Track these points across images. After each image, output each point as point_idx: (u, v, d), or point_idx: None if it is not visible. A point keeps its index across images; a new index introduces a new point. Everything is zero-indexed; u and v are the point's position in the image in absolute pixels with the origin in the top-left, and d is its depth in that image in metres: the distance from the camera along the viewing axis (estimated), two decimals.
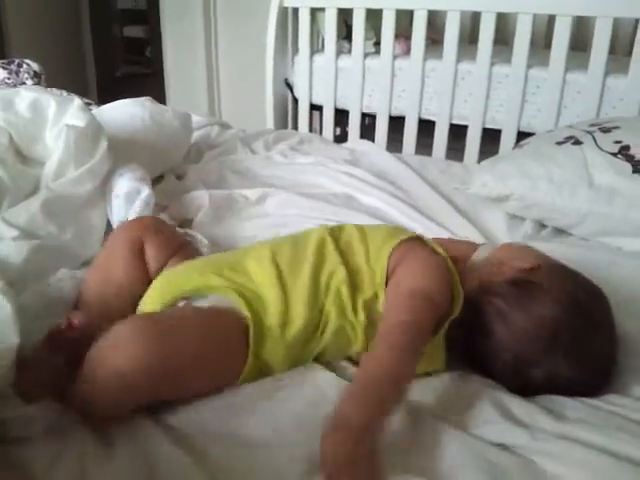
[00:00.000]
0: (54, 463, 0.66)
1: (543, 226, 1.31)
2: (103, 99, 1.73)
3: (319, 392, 0.79)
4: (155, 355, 0.72)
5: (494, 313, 0.83)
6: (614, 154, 1.23)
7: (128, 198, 1.23)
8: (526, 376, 0.81)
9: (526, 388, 0.81)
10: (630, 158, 1.21)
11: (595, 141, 1.28)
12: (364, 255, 0.90)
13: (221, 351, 0.80)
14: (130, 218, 1.19)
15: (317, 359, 0.86)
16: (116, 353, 0.72)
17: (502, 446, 0.70)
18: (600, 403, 0.77)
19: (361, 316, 0.84)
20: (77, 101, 1.31)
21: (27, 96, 1.28)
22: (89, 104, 1.88)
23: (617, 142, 1.25)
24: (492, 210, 1.37)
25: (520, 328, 0.81)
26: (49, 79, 2.09)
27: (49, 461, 0.66)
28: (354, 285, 0.86)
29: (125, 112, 1.58)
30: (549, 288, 0.83)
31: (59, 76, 2.92)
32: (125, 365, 0.71)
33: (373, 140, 2.29)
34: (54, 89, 1.87)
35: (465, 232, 1.28)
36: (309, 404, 0.76)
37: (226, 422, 0.73)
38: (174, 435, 0.71)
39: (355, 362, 0.86)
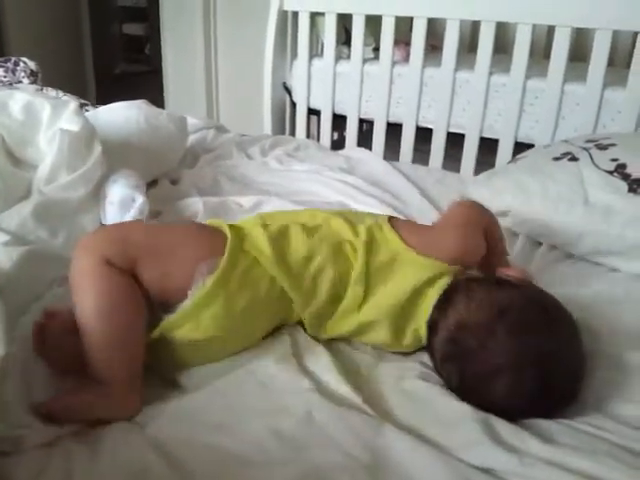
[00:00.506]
0: (39, 474, 0.66)
1: (539, 243, 1.30)
2: (102, 97, 1.73)
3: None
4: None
5: (463, 292, 0.87)
6: (610, 172, 1.22)
7: (122, 205, 1.23)
8: (458, 348, 0.82)
9: (453, 367, 0.83)
10: (626, 177, 1.20)
11: (591, 158, 1.28)
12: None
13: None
14: None
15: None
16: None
17: (488, 471, 0.69)
18: (589, 428, 0.76)
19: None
20: (72, 105, 1.30)
21: (21, 99, 1.27)
22: (85, 105, 1.87)
23: (613, 160, 1.25)
24: None
25: (476, 302, 0.85)
26: (48, 77, 2.08)
27: (35, 472, 0.66)
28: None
29: (120, 115, 1.57)
30: (519, 286, 0.88)
31: (58, 74, 2.91)
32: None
33: (370, 146, 2.29)
34: (50, 88, 1.86)
35: None
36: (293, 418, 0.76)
37: (210, 435, 0.73)
38: (158, 446, 0.71)
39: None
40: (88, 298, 0.79)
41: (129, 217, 1.22)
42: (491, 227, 1.01)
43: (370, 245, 0.92)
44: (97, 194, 1.25)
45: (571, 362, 0.82)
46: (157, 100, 1.71)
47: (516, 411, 0.79)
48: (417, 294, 0.89)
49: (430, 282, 0.90)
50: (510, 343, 0.79)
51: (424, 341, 0.90)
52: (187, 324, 0.82)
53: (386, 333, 0.89)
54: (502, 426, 0.76)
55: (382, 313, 0.89)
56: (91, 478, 0.67)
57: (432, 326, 0.88)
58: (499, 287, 0.88)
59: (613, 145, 1.30)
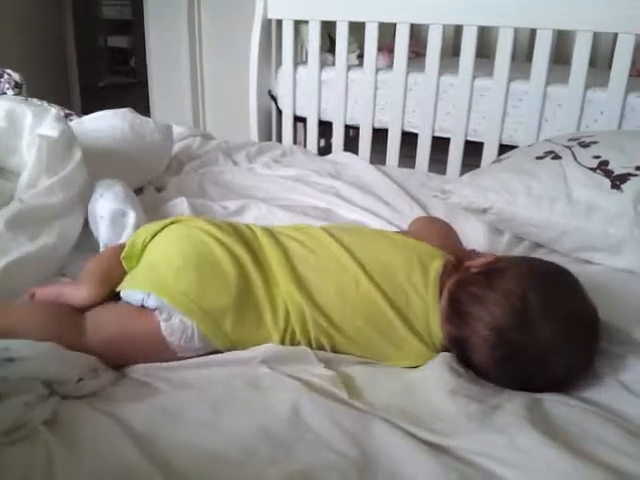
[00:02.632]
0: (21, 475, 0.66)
1: (522, 239, 1.31)
2: (87, 109, 1.72)
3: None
4: None
5: (468, 299, 0.88)
6: (593, 169, 1.23)
7: (113, 220, 1.21)
8: (508, 348, 0.83)
9: (511, 366, 0.84)
10: (609, 173, 1.21)
11: (574, 156, 1.28)
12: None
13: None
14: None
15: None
16: None
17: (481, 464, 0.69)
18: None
19: None
20: (53, 111, 1.30)
21: (2, 106, 1.27)
22: (70, 115, 1.87)
23: (596, 157, 1.26)
24: (471, 222, 1.37)
25: (493, 302, 0.85)
26: (33, 89, 2.08)
27: (17, 472, 0.66)
28: None
29: (105, 123, 1.57)
30: (507, 267, 0.91)
31: (43, 86, 2.91)
32: None
33: (357, 152, 2.29)
34: (35, 99, 1.86)
35: None
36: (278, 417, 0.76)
37: (196, 434, 0.73)
38: (144, 445, 0.70)
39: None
40: None
41: (126, 236, 1.19)
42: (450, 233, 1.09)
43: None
44: (80, 199, 1.24)
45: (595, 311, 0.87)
46: (143, 112, 1.71)
47: (577, 374, 0.85)
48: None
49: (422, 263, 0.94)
50: (550, 319, 0.83)
51: (439, 336, 0.91)
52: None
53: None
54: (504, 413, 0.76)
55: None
56: (74, 478, 0.66)
57: (456, 341, 0.89)
58: (496, 276, 0.89)
59: (595, 143, 1.31)
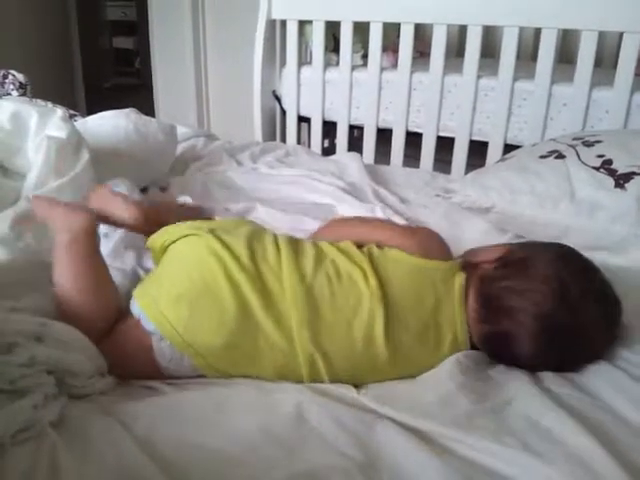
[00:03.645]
0: (25, 475, 0.65)
1: (524, 238, 1.30)
2: (92, 110, 1.71)
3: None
4: None
5: (505, 293, 0.88)
6: (596, 168, 1.23)
7: None
8: (555, 332, 0.85)
9: (557, 349, 0.85)
10: (612, 172, 1.21)
11: (578, 155, 1.28)
12: None
13: None
14: None
15: None
16: None
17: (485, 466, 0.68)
18: None
19: None
20: (59, 112, 1.30)
21: (8, 108, 1.27)
22: (75, 115, 1.87)
23: (600, 156, 1.26)
24: (473, 221, 1.37)
25: (533, 291, 0.86)
26: (38, 90, 2.08)
27: (21, 472, 0.65)
28: None
29: (109, 123, 1.57)
30: (532, 255, 0.91)
31: (48, 87, 2.92)
32: None
33: (361, 152, 2.29)
34: (39, 100, 1.86)
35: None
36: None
37: (199, 435, 0.73)
38: (147, 446, 0.70)
39: None
40: None
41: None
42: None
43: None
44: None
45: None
46: (148, 113, 1.71)
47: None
48: (438, 303, 0.89)
49: (445, 282, 0.91)
50: (588, 298, 0.86)
51: (467, 346, 0.89)
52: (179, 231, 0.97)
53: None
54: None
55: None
56: (79, 478, 0.66)
57: (493, 338, 0.89)
58: (525, 266, 0.90)
59: (599, 142, 1.31)
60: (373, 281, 0.87)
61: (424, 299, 0.88)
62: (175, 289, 0.86)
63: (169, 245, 0.95)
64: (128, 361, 0.87)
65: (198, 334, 0.84)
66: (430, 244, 0.95)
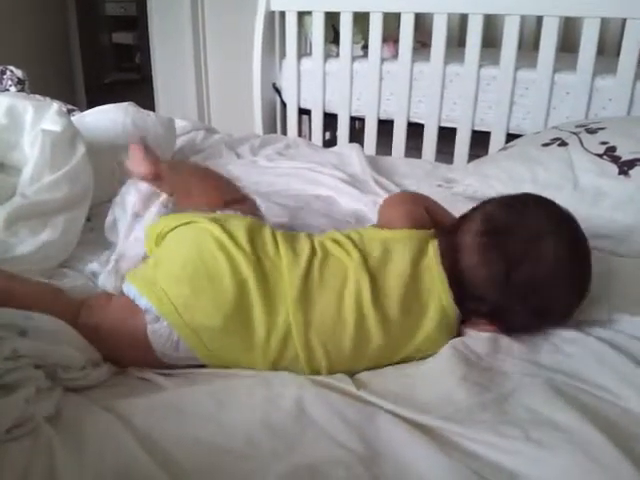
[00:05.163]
0: (23, 471, 0.65)
1: None
2: (92, 106, 1.70)
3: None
4: None
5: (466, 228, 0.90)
6: (600, 155, 1.21)
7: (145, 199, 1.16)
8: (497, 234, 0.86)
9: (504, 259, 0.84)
10: (616, 159, 1.19)
11: (581, 142, 1.27)
12: None
13: None
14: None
15: None
16: None
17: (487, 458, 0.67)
18: None
19: None
20: (55, 106, 1.29)
21: (3, 102, 1.26)
22: (73, 110, 1.86)
23: (603, 143, 1.24)
24: None
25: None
26: (37, 86, 2.07)
27: (19, 469, 0.65)
28: None
29: (106, 117, 1.56)
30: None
31: (48, 83, 2.90)
32: None
33: (362, 144, 2.28)
34: (37, 95, 1.85)
35: None
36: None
37: (200, 429, 0.72)
38: (146, 441, 0.69)
39: None
40: None
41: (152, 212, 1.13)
42: (428, 203, 1.07)
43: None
44: (84, 193, 1.23)
45: None
46: (148, 107, 1.70)
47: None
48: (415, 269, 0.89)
49: (420, 250, 0.91)
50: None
51: (454, 311, 0.88)
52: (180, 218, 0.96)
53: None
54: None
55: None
56: (76, 475, 0.65)
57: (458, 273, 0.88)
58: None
59: (603, 129, 1.29)
60: (355, 254, 0.89)
61: (400, 269, 0.88)
62: (173, 271, 0.87)
63: (167, 233, 0.94)
64: (122, 348, 0.86)
65: (197, 313, 0.83)
66: (391, 214, 1.01)
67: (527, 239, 0.84)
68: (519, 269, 0.83)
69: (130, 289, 0.89)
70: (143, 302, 0.86)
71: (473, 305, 0.87)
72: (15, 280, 0.91)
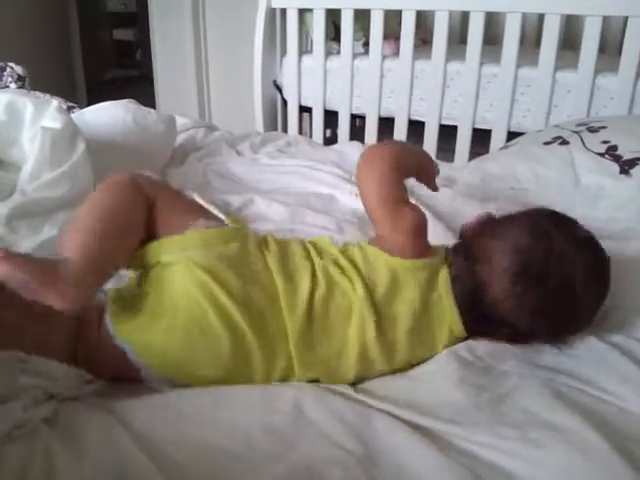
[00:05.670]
0: (20, 474, 0.64)
1: None
2: (92, 103, 1.70)
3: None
4: None
5: (483, 244, 0.88)
6: (601, 154, 1.21)
7: None
8: (527, 266, 0.83)
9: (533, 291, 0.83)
10: (617, 158, 1.19)
11: (582, 141, 1.26)
12: None
13: None
14: None
15: None
16: None
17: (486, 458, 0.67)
18: None
19: None
20: (54, 103, 1.29)
21: (3, 99, 1.26)
22: (73, 107, 1.86)
23: (604, 142, 1.24)
24: (476, 209, 1.34)
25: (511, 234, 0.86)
26: (37, 83, 2.07)
27: (17, 471, 0.64)
28: None
29: (107, 115, 1.56)
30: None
31: (48, 80, 2.91)
32: None
33: (363, 142, 2.27)
34: (37, 92, 1.85)
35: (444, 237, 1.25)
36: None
37: (198, 431, 0.71)
38: (145, 443, 0.69)
39: None
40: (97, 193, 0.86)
41: None
42: (397, 158, 0.96)
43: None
44: (84, 191, 1.22)
45: None
46: (149, 105, 1.70)
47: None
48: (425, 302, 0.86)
49: (430, 280, 0.87)
50: (568, 240, 0.86)
51: (463, 334, 0.87)
52: (166, 252, 0.84)
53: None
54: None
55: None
56: (75, 476, 0.65)
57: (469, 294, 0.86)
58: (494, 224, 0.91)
59: (604, 127, 1.29)
60: (360, 287, 0.84)
61: (409, 305, 0.85)
62: (165, 321, 0.80)
63: (153, 265, 0.85)
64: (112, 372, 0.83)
65: (195, 372, 0.80)
66: (405, 240, 0.88)
67: (561, 280, 0.83)
68: (552, 302, 0.83)
69: (125, 346, 0.81)
70: (140, 361, 0.81)
71: (490, 327, 0.86)
72: None
